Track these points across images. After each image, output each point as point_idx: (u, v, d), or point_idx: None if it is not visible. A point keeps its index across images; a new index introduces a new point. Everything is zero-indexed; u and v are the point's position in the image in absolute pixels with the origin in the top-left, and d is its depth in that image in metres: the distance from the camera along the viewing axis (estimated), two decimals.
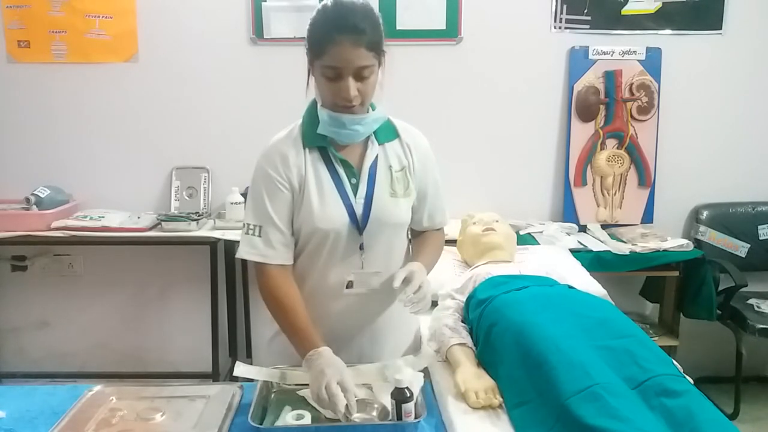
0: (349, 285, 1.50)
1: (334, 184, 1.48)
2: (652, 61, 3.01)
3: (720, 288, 2.85)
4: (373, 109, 1.49)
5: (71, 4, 2.95)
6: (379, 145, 1.51)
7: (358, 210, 1.47)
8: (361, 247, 1.49)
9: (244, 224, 1.49)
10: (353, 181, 1.49)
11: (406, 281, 1.42)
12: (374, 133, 1.50)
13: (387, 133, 1.53)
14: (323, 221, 1.46)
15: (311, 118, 1.49)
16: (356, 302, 1.53)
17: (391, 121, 1.56)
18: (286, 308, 1.44)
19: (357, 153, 1.51)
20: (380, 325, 1.58)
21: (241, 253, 1.48)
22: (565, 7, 2.99)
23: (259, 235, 1.46)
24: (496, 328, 1.57)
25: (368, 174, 1.49)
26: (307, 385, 1.40)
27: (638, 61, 3.01)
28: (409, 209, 1.55)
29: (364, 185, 1.48)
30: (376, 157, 1.51)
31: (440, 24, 2.97)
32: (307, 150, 1.48)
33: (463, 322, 1.80)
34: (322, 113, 1.44)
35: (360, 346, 1.56)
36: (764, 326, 2.71)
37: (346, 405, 1.24)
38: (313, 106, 1.50)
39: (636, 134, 3.05)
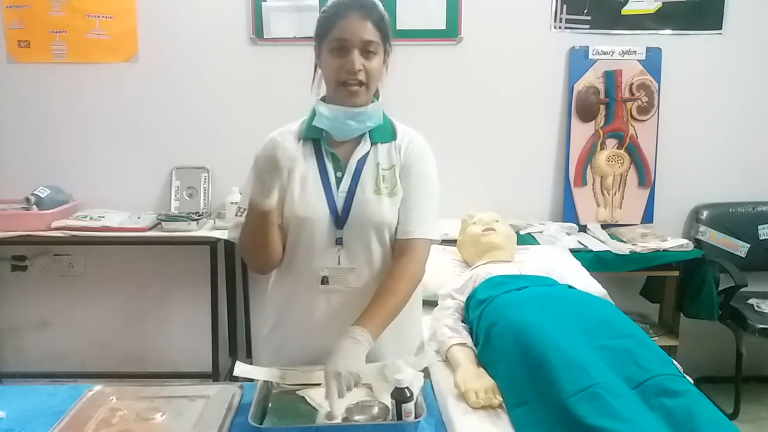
0: (325, 281, 1.49)
1: (320, 176, 1.50)
2: (652, 61, 3.01)
3: (720, 288, 2.85)
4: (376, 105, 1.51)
5: (71, 4, 2.95)
6: (372, 144, 1.52)
7: (339, 203, 1.48)
8: (339, 242, 1.48)
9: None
10: (339, 174, 1.50)
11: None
12: (369, 132, 1.52)
13: (383, 134, 1.53)
14: (301, 208, 1.47)
15: (313, 114, 1.53)
16: (337, 303, 1.49)
17: (393, 124, 1.56)
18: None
19: (348, 149, 1.52)
20: None
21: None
22: (565, 7, 2.99)
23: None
24: (496, 328, 1.57)
25: (354, 169, 1.50)
26: (307, 385, 1.41)
27: (638, 61, 3.01)
28: (394, 210, 1.49)
29: (348, 180, 1.49)
30: (366, 154, 1.51)
31: (440, 24, 2.97)
32: (301, 142, 1.53)
33: (463, 322, 1.81)
34: (321, 106, 1.48)
35: None
36: (764, 326, 2.71)
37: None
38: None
39: (636, 134, 3.05)
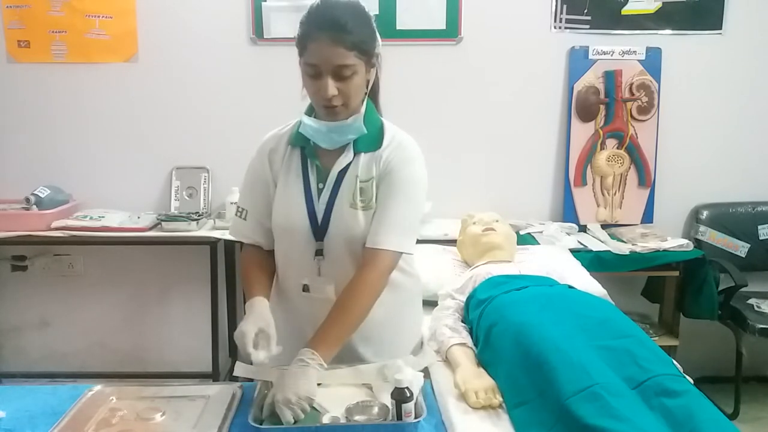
0: (306, 289, 1.50)
1: (303, 185, 1.49)
2: (652, 61, 3.01)
3: (720, 288, 2.85)
4: (372, 113, 1.48)
5: (71, 4, 2.94)
6: (355, 154, 1.48)
7: (319, 215, 1.47)
8: (319, 253, 1.48)
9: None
10: (320, 186, 1.48)
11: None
12: (354, 141, 1.47)
13: (369, 143, 1.48)
14: (282, 218, 1.49)
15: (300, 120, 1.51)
16: (320, 311, 1.46)
17: (382, 131, 1.50)
18: (246, 275, 1.53)
19: (332, 159, 1.48)
20: (350, 340, 1.48)
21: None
22: (565, 7, 2.99)
23: (245, 219, 1.55)
24: (496, 328, 1.57)
25: (334, 181, 1.47)
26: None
27: (638, 61, 3.01)
28: (369, 223, 1.46)
29: (328, 192, 1.47)
30: (348, 165, 1.47)
31: (440, 24, 2.97)
32: (290, 147, 1.52)
33: (463, 322, 1.80)
34: (305, 119, 1.46)
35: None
36: (764, 326, 2.71)
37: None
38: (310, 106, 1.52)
39: (636, 134, 3.05)
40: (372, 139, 1.48)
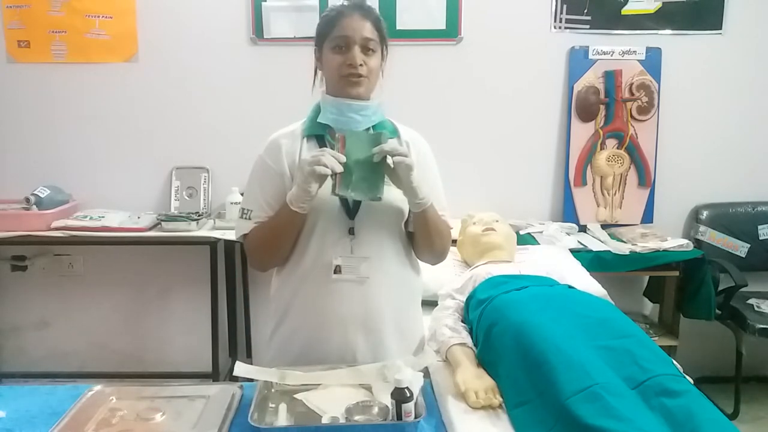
0: (337, 270, 1.51)
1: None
2: (652, 61, 3.01)
3: (720, 288, 2.86)
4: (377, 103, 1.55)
5: (71, 4, 2.95)
6: None
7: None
8: (351, 232, 1.51)
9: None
10: None
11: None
12: (372, 128, 1.54)
13: (386, 130, 1.56)
14: (314, 200, 1.47)
15: (314, 112, 1.57)
16: (347, 295, 1.51)
17: (393, 123, 1.61)
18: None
19: None
20: (376, 325, 1.54)
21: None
22: (565, 7, 2.99)
23: (250, 219, 1.54)
24: (496, 328, 1.57)
25: None
26: (308, 385, 1.41)
27: (638, 61, 3.01)
28: (404, 199, 1.50)
29: None
30: None
31: (440, 24, 2.97)
32: (304, 139, 1.55)
33: (463, 322, 1.81)
34: (325, 101, 1.53)
35: (354, 346, 1.53)
36: (764, 326, 2.71)
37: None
38: (318, 103, 1.57)
39: (636, 134, 3.05)
40: (388, 128, 1.58)
